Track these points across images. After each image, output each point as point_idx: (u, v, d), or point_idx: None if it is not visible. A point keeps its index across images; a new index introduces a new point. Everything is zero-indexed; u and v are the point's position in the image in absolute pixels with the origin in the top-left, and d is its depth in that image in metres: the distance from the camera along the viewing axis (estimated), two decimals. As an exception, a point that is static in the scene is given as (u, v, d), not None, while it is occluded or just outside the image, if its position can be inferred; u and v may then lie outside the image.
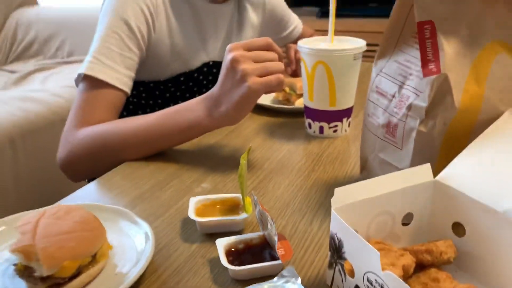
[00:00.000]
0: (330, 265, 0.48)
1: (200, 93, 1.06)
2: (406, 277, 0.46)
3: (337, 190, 0.46)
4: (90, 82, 0.84)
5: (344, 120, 0.89)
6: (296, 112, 1.01)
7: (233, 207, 0.60)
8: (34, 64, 2.16)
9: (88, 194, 0.70)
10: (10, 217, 0.57)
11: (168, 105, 1.03)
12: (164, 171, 0.76)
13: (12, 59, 2.29)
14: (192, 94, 1.09)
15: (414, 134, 0.56)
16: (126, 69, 0.88)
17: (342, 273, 0.45)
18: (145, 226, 0.55)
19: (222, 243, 0.52)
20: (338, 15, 0.83)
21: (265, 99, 1.08)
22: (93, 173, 0.82)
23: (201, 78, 1.08)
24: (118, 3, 0.90)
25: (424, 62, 0.55)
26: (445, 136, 0.55)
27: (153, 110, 1.04)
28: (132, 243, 0.54)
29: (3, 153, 1.43)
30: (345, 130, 0.90)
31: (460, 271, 0.50)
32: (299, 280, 0.41)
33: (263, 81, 0.68)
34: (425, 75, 0.54)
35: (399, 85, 0.60)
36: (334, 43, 0.85)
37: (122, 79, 0.86)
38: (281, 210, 0.64)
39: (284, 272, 0.43)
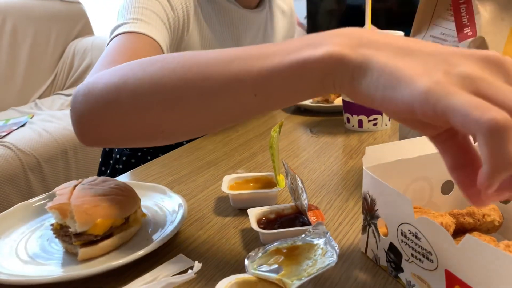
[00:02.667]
0: (364, 229, 0.46)
1: None
2: (445, 240, 0.43)
3: (368, 149, 0.45)
4: (126, 38, 0.70)
5: (384, 113, 0.87)
6: (335, 111, 1.01)
7: (267, 185, 0.60)
8: (88, 87, 2.28)
9: (124, 179, 0.72)
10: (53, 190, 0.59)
11: None
12: (202, 160, 0.77)
13: (69, 84, 2.44)
14: None
15: (452, 102, 0.54)
16: (163, 37, 0.76)
17: (376, 234, 0.43)
18: (178, 198, 0.55)
19: (253, 212, 0.51)
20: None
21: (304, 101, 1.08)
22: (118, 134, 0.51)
23: None
24: None
25: (459, 27, 0.53)
26: (486, 102, 0.53)
27: None
28: (165, 214, 0.54)
29: (57, 164, 1.51)
30: (386, 124, 0.88)
31: (505, 240, 0.46)
32: (329, 234, 0.40)
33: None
34: (460, 39, 0.53)
35: (435, 57, 0.58)
36: (371, 35, 0.85)
37: (164, 40, 0.75)
38: (316, 191, 0.63)
39: (311, 228, 0.41)
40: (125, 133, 0.45)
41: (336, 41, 0.35)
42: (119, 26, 0.73)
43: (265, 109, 0.42)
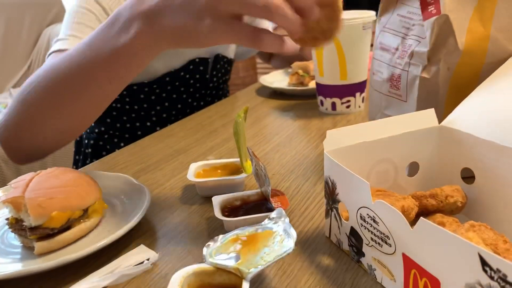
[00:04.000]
0: (327, 213, 0.45)
1: (187, 93, 0.99)
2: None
3: (329, 132, 0.44)
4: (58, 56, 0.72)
5: (357, 95, 0.86)
6: (309, 94, 0.99)
7: (235, 171, 0.59)
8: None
9: (90, 169, 0.70)
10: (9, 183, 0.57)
11: (154, 109, 0.96)
12: (172, 148, 0.76)
13: (44, 73, 2.38)
14: (179, 94, 0.99)
15: (417, 82, 0.53)
16: None
17: (338, 218, 0.43)
18: (142, 188, 0.54)
19: (218, 199, 0.50)
20: None
21: (279, 84, 1.07)
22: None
23: (188, 77, 0.97)
24: None
25: (424, 5, 0.52)
26: (451, 82, 0.52)
27: (138, 115, 0.96)
28: (128, 204, 0.53)
29: (31, 155, 1.47)
30: (359, 106, 0.88)
31: (471, 220, 0.46)
32: (287, 219, 0.39)
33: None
34: (425, 18, 0.52)
35: (402, 37, 0.57)
36: (342, 15, 0.83)
37: None
38: (285, 176, 0.62)
39: (272, 215, 0.41)
40: (41, 143, 0.63)
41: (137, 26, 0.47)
42: (56, 41, 0.76)
43: (124, 81, 0.54)
